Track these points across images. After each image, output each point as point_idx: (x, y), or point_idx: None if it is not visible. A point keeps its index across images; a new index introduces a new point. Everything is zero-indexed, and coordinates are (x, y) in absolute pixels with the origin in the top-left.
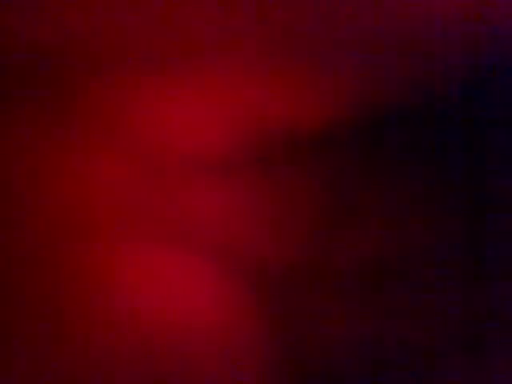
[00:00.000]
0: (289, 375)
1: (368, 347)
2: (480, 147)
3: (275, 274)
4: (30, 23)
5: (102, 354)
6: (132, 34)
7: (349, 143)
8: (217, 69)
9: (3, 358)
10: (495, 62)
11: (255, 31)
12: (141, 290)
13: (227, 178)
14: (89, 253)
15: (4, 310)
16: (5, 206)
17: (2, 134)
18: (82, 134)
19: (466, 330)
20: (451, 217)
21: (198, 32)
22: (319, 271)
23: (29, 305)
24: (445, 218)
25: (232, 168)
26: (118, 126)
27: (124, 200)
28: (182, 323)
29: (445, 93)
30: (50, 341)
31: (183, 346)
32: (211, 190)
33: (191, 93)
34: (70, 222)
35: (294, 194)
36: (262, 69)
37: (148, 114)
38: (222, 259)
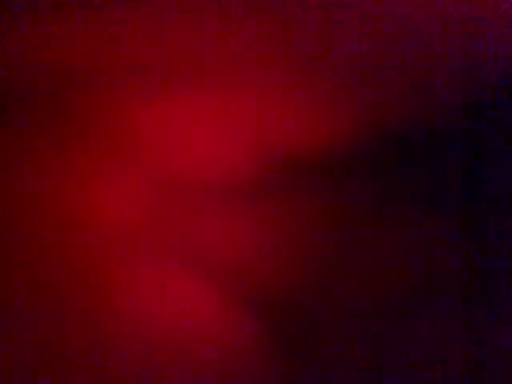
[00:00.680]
0: None
1: (368, 373)
2: (482, 170)
3: (277, 297)
4: (32, 40)
5: (109, 365)
6: (138, 55)
7: (352, 168)
8: (225, 92)
9: (5, 362)
10: (497, 83)
11: (260, 54)
12: (146, 304)
13: (231, 202)
14: (95, 267)
15: (9, 323)
16: (9, 223)
17: (4, 149)
18: (92, 153)
19: (467, 365)
20: (453, 244)
21: (204, 54)
22: (323, 296)
23: (33, 318)
24: (447, 245)
25: (236, 193)
26: (127, 144)
27: (132, 219)
28: (184, 339)
29: (446, 117)
30: (54, 354)
31: (184, 361)
32: (214, 214)
33: (191, 117)
34: (77, 237)
35: (300, 219)
36: (265, 94)
37: (157, 134)
38: (227, 283)
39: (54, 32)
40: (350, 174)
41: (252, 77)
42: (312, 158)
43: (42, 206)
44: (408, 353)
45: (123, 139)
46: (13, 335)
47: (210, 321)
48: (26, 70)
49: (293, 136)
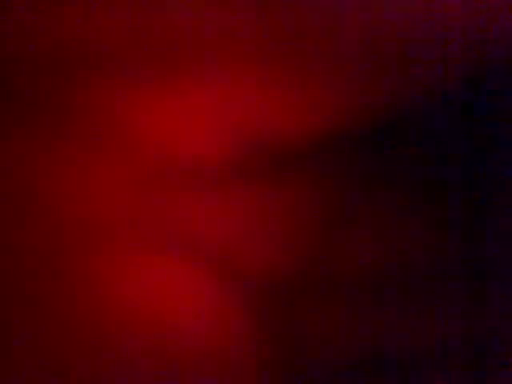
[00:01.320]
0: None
1: (366, 358)
2: (482, 158)
3: (273, 284)
4: (28, 31)
5: (105, 362)
6: (131, 42)
7: (347, 153)
8: (212, 79)
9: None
10: (498, 73)
11: (251, 40)
12: (141, 299)
13: (224, 189)
14: (89, 264)
15: (5, 322)
16: (4, 218)
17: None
18: (80, 146)
19: (465, 343)
20: (451, 229)
21: (196, 42)
22: (317, 282)
23: (30, 317)
24: (445, 230)
25: (228, 179)
26: (116, 136)
27: (124, 211)
28: (182, 332)
29: (446, 104)
30: (52, 352)
31: (183, 354)
32: (209, 202)
33: (185, 103)
34: (70, 234)
35: (291, 205)
36: (258, 80)
37: (145, 124)
38: (220, 269)
39: (50, 23)
40: (346, 157)
41: (237, 64)
42: (299, 142)
43: (31, 202)
44: (403, 338)
45: (108, 130)
46: (7, 333)
47: (199, 308)
48: (22, 61)
49: (278, 121)
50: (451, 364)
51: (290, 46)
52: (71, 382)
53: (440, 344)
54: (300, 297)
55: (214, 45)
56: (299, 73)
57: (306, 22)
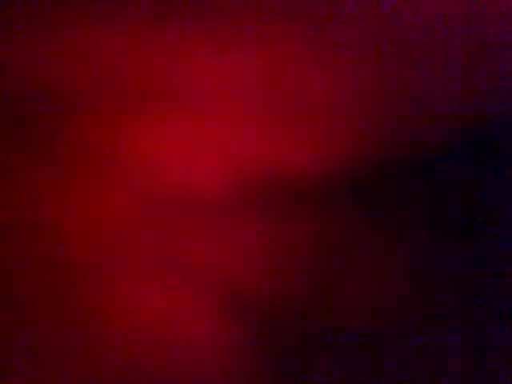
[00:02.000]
0: None
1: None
2: (480, 202)
3: (261, 304)
4: (25, 61)
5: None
6: (134, 76)
7: (346, 192)
8: (213, 113)
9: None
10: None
11: (253, 80)
12: (139, 318)
13: (223, 219)
14: (88, 289)
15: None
16: (8, 239)
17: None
18: (83, 169)
19: None
20: (449, 271)
21: (194, 78)
22: (309, 311)
23: (31, 326)
24: (443, 272)
25: (227, 210)
26: (118, 164)
27: (121, 231)
28: (174, 342)
29: (444, 146)
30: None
31: (175, 363)
32: (206, 229)
33: (192, 136)
34: (70, 259)
35: (289, 237)
36: (260, 117)
37: (149, 155)
38: (216, 292)
39: (45, 51)
40: (344, 196)
41: (243, 100)
42: (298, 179)
43: (35, 219)
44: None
45: (119, 157)
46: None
47: (199, 325)
48: (19, 88)
49: (279, 157)
50: None
51: (292, 84)
52: None
53: None
54: (292, 319)
55: (216, 82)
56: (300, 111)
57: (308, 58)
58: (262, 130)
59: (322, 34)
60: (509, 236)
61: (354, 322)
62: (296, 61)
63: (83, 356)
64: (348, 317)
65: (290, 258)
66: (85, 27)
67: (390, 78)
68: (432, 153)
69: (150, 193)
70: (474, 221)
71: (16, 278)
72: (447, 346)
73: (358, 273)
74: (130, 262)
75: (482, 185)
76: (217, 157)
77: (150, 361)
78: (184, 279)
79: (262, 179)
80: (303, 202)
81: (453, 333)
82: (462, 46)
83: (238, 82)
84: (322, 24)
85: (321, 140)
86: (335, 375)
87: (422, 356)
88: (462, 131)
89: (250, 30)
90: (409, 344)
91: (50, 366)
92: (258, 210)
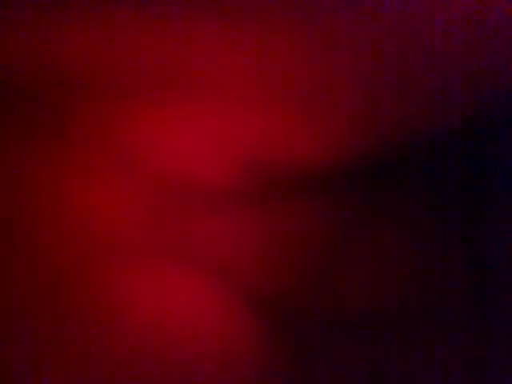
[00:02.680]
0: None
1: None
2: (480, 194)
3: (271, 297)
4: (32, 49)
5: (108, 362)
6: (135, 64)
7: (348, 184)
8: (218, 103)
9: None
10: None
11: (255, 68)
12: (148, 308)
13: (224, 206)
14: (97, 278)
15: (8, 325)
16: (7, 225)
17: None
18: (91, 157)
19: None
20: (450, 266)
21: (200, 66)
22: (314, 298)
23: (33, 319)
24: (444, 267)
25: (228, 197)
26: (121, 155)
27: (129, 220)
28: (187, 339)
29: (444, 136)
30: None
31: (183, 359)
32: (207, 218)
33: (194, 125)
34: (81, 247)
35: (289, 225)
36: (263, 109)
37: (151, 143)
38: (217, 283)
39: (52, 38)
40: (346, 188)
41: (245, 88)
42: (301, 171)
43: (41, 207)
44: (405, 363)
45: (121, 145)
46: (12, 337)
47: (208, 319)
48: (25, 76)
49: (282, 150)
50: None
51: (294, 74)
52: None
53: None
54: (303, 312)
55: (221, 74)
56: (303, 103)
57: (312, 54)
58: (265, 119)
59: (326, 29)
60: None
61: (357, 317)
62: (299, 52)
63: (86, 353)
64: (351, 312)
65: (291, 249)
66: (90, 16)
67: (392, 74)
68: (434, 150)
69: (150, 182)
70: (476, 219)
71: (16, 275)
72: (449, 346)
73: (360, 268)
74: (131, 251)
75: (485, 183)
76: (219, 146)
77: (157, 355)
78: (185, 269)
79: (265, 169)
80: (305, 193)
81: (454, 333)
82: (465, 43)
83: (240, 71)
84: (324, 18)
85: (323, 132)
86: (340, 370)
87: (424, 354)
88: (464, 128)
89: (254, 18)
90: (412, 341)
91: (52, 365)
92: (260, 200)
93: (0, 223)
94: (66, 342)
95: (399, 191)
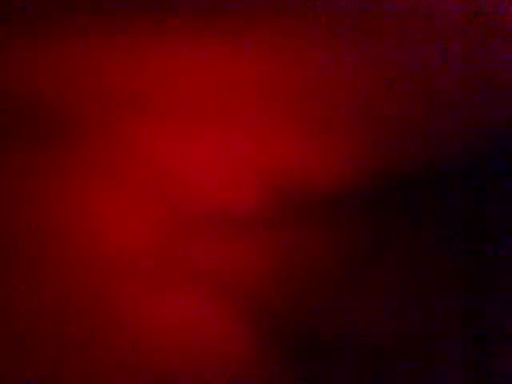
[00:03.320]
0: None
1: None
2: (481, 211)
3: (282, 319)
4: (34, 67)
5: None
6: (146, 82)
7: (364, 209)
8: (239, 124)
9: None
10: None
11: (270, 92)
12: (153, 327)
13: (248, 229)
14: (101, 289)
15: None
16: (14, 249)
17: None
18: (100, 179)
19: None
20: (454, 283)
21: (214, 88)
22: (324, 319)
23: (42, 341)
24: (448, 284)
25: (240, 222)
26: (135, 171)
27: (139, 244)
28: (191, 357)
29: (450, 157)
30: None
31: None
32: (231, 241)
33: (209, 150)
34: (94, 270)
35: (301, 248)
36: (280, 131)
37: (166, 168)
38: (242, 305)
39: (51, 57)
40: (361, 209)
41: (260, 110)
42: (315, 193)
43: (49, 230)
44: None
45: (131, 166)
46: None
47: (216, 341)
48: (28, 94)
49: (297, 171)
50: None
51: (317, 97)
52: None
53: None
54: (312, 333)
55: (243, 96)
56: (327, 124)
57: (331, 73)
58: (282, 144)
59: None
60: None
61: (370, 331)
62: (319, 73)
63: (94, 371)
64: (363, 326)
65: (315, 270)
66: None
67: (407, 90)
68: (448, 166)
69: (175, 204)
70: (487, 233)
71: (28, 286)
72: (459, 359)
73: (371, 293)
74: (155, 273)
75: (496, 197)
76: (243, 169)
77: (174, 369)
78: (210, 292)
79: (289, 192)
80: (327, 215)
81: (465, 347)
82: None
83: (264, 93)
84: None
85: (345, 153)
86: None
87: (434, 366)
88: (474, 145)
89: (267, 34)
90: (423, 355)
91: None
92: (284, 222)
93: (5, 248)
94: (74, 366)
95: (413, 217)
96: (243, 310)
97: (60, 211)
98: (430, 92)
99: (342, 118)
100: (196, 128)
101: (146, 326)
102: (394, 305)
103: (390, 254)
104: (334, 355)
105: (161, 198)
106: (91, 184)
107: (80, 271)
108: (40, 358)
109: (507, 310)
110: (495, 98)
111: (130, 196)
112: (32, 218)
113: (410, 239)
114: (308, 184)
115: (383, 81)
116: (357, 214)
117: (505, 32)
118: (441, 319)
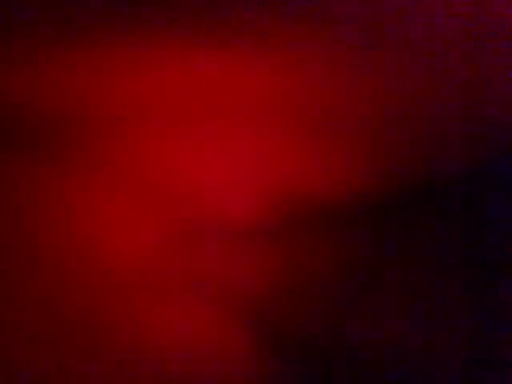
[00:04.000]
0: None
1: None
2: (482, 221)
3: (287, 333)
4: (32, 78)
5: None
6: (154, 96)
7: (369, 220)
8: (236, 134)
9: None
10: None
11: (286, 105)
12: (163, 340)
13: (251, 241)
14: (109, 301)
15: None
16: (18, 273)
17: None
18: (108, 193)
19: None
20: (471, 301)
21: (221, 95)
22: (329, 340)
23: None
24: (453, 299)
25: (256, 233)
26: (142, 184)
27: (148, 257)
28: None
29: (451, 164)
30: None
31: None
32: (233, 253)
33: (214, 161)
34: (101, 283)
35: (307, 260)
36: (292, 143)
37: (170, 175)
38: (244, 317)
39: (51, 61)
40: (354, 220)
41: (262, 121)
42: (317, 205)
43: (49, 233)
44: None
45: (132, 173)
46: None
47: (216, 346)
48: (32, 107)
49: (299, 184)
50: None
51: (319, 109)
52: None
53: None
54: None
55: (246, 107)
56: (329, 136)
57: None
58: (290, 154)
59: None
60: None
61: (369, 338)
62: (320, 83)
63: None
64: (362, 334)
65: (315, 281)
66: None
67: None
68: (449, 174)
69: (175, 213)
70: (488, 241)
71: (28, 313)
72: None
73: (376, 294)
74: (155, 277)
75: (496, 203)
76: (245, 180)
77: (174, 372)
78: (210, 297)
79: (290, 203)
80: (332, 228)
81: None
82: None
83: (266, 104)
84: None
85: (347, 166)
86: None
87: (434, 375)
88: (475, 149)
89: (273, 43)
90: (423, 366)
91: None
92: (285, 233)
93: (5, 249)
94: (74, 367)
95: (414, 229)
96: (243, 316)
97: (60, 214)
98: (430, 97)
99: (345, 130)
100: (197, 139)
101: (146, 329)
102: (394, 315)
103: (391, 265)
104: (333, 361)
105: (161, 206)
106: (92, 187)
107: (80, 273)
108: (40, 357)
109: (508, 321)
110: (495, 98)
111: (131, 201)
112: (32, 219)
113: (410, 251)
114: (309, 196)
115: (386, 91)
116: (358, 226)
117: (505, 33)
118: (442, 330)
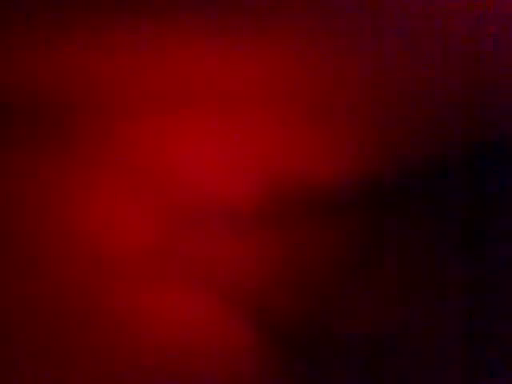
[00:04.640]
0: None
1: None
2: (482, 208)
3: (282, 320)
4: (35, 63)
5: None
6: (154, 79)
7: (367, 205)
8: (236, 120)
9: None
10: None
11: (276, 84)
12: (156, 326)
13: (247, 227)
14: (106, 288)
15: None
16: (11, 255)
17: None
18: (104, 178)
19: None
20: (457, 284)
21: (220, 81)
22: (324, 331)
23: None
24: (451, 284)
25: (253, 219)
26: (135, 176)
27: (143, 243)
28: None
29: (450, 155)
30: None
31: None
32: (222, 238)
33: (211, 143)
34: (88, 260)
35: (305, 249)
36: (284, 128)
37: (170, 163)
38: (239, 304)
39: (51, 56)
40: (354, 206)
41: (263, 109)
42: (316, 192)
43: (49, 230)
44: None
45: (131, 165)
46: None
47: (219, 343)
48: (31, 91)
49: (298, 171)
50: None
51: (319, 97)
52: None
53: None
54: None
55: (246, 93)
56: (329, 123)
57: (337, 70)
58: (290, 140)
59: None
60: None
61: (371, 330)
62: (321, 72)
63: (94, 363)
64: (364, 326)
65: (315, 270)
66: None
67: (415, 88)
68: (448, 163)
69: (175, 203)
70: (488, 231)
71: (20, 299)
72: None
73: (377, 283)
74: (155, 271)
75: (496, 193)
76: (244, 168)
77: (174, 368)
78: (210, 290)
79: (288, 191)
80: (329, 215)
81: (465, 348)
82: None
83: (266, 91)
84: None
85: (346, 153)
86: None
87: (434, 365)
88: (477, 144)
89: (277, 31)
90: (423, 355)
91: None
92: (285, 220)
93: (5, 248)
94: (72, 368)
95: (414, 215)
96: (243, 308)
97: (59, 211)
98: (431, 92)
99: (345, 117)
100: (197, 126)
101: (146, 324)
102: (395, 304)
103: (391, 252)
104: (335, 354)
105: (161, 197)
106: (91, 183)
107: (80, 270)
108: (40, 358)
109: (507, 311)
110: (496, 98)
111: (130, 194)
112: (31, 217)
113: (410, 238)
114: (309, 183)
115: (386, 81)
116: (358, 213)
117: (506, 32)
118: (441, 319)
